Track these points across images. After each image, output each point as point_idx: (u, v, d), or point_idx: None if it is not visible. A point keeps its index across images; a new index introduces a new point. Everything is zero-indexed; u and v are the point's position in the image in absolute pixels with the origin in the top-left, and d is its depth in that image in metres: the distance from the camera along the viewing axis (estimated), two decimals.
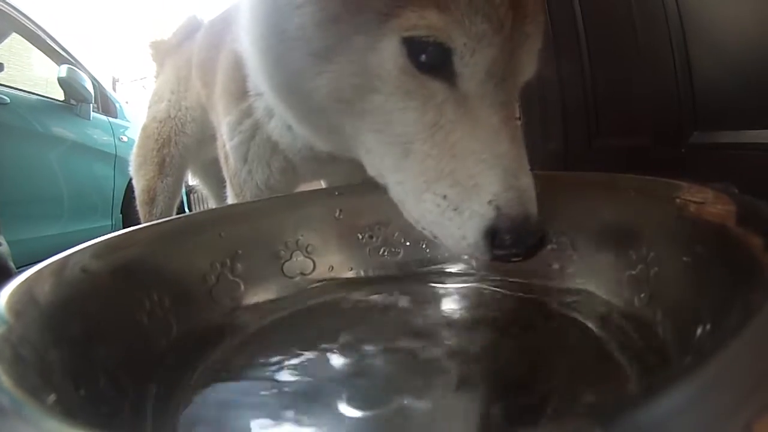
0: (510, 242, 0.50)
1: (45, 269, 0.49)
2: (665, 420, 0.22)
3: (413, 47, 0.51)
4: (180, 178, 1.60)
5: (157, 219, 1.50)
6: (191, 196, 3.91)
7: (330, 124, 0.62)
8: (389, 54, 0.52)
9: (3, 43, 2.87)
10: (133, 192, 1.64)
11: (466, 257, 0.71)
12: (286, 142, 0.86)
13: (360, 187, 0.75)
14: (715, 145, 1.20)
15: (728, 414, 0.23)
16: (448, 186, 0.52)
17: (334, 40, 0.54)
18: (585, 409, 0.43)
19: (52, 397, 0.34)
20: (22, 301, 0.42)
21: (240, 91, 0.89)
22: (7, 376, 0.30)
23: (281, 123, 0.84)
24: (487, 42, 0.51)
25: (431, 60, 0.52)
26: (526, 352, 0.55)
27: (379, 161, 0.58)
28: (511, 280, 0.66)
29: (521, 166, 0.52)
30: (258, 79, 0.73)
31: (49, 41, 3.11)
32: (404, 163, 0.55)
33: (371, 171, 0.61)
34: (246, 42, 0.70)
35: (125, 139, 3.47)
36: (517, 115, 0.58)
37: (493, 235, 0.50)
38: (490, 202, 0.50)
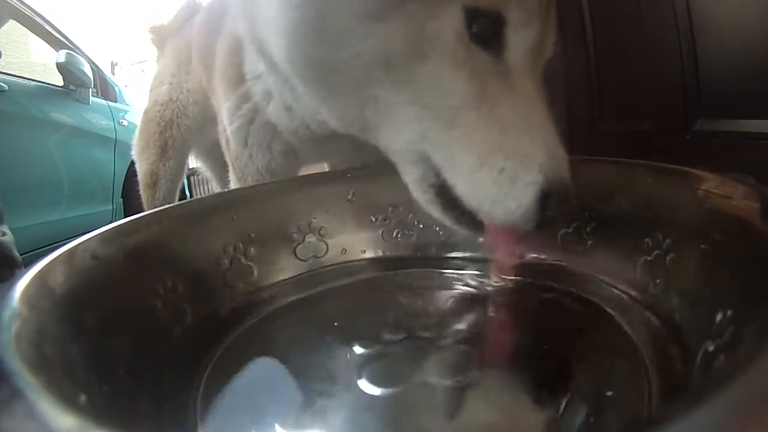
0: (555, 206, 0.51)
1: (57, 258, 0.48)
2: None
3: (468, 17, 0.52)
4: (182, 161, 1.60)
5: (160, 202, 1.51)
6: (192, 178, 3.90)
7: (359, 97, 0.59)
8: (448, 21, 0.52)
9: (0, 30, 2.84)
10: (133, 176, 1.64)
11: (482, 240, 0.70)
12: (284, 124, 0.85)
13: (373, 169, 0.74)
14: (719, 133, 1.20)
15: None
16: (503, 159, 0.52)
17: (390, 2, 0.53)
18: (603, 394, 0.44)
19: (83, 398, 0.34)
20: (38, 294, 0.41)
21: (237, 76, 0.89)
22: (39, 383, 0.29)
23: (280, 105, 0.82)
24: (536, 17, 0.54)
25: (483, 31, 0.53)
26: (542, 335, 0.55)
27: (421, 135, 0.57)
28: (524, 264, 0.66)
29: (557, 135, 0.54)
30: (275, 49, 0.67)
31: (46, 27, 3.08)
32: (449, 136, 0.55)
33: (402, 145, 0.59)
34: (268, 6, 0.65)
35: (125, 123, 3.46)
36: None
37: (545, 200, 0.51)
38: (540, 170, 0.51)
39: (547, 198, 0.51)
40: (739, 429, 0.22)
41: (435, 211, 0.60)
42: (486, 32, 0.53)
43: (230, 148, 0.99)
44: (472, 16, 0.52)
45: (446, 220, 0.59)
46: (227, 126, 0.95)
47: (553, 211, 0.51)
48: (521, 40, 0.54)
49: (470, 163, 0.54)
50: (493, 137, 0.53)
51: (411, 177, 0.61)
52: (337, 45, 0.56)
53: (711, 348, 0.40)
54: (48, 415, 0.26)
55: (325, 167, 1.18)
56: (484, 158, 0.53)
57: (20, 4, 2.87)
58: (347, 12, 0.54)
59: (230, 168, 1.04)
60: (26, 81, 2.77)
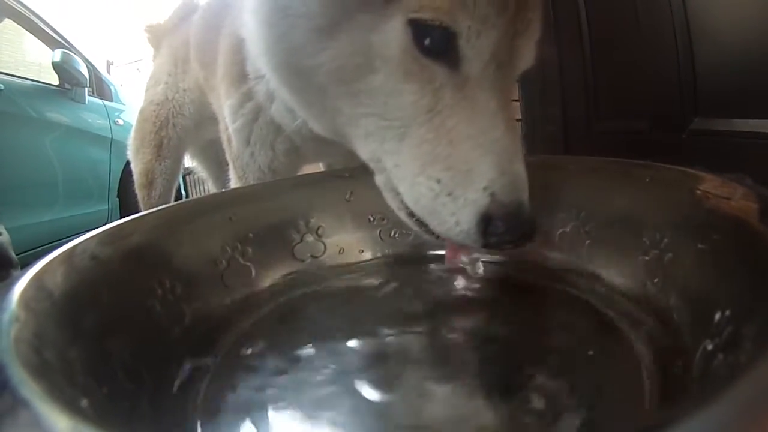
0: (503, 229, 0.50)
1: (55, 259, 0.47)
2: None
3: (418, 30, 0.51)
4: (178, 160, 1.61)
5: (156, 201, 1.51)
6: (188, 178, 3.89)
7: (329, 107, 0.61)
8: (393, 34, 0.52)
9: None
10: (129, 175, 1.64)
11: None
12: (287, 123, 0.86)
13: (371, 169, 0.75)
14: (715, 132, 1.21)
15: None
16: (442, 170, 0.52)
17: (338, 16, 0.53)
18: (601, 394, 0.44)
19: (84, 402, 0.34)
20: (36, 296, 0.41)
21: (240, 75, 0.89)
22: (42, 389, 0.29)
23: (282, 106, 0.83)
24: (491, 24, 0.51)
25: (435, 44, 0.52)
26: (539, 334, 0.55)
27: (379, 145, 0.58)
28: (522, 263, 0.66)
29: (515, 152, 0.52)
30: (260, 60, 0.71)
31: (42, 25, 3.07)
32: (401, 146, 0.55)
33: (367, 155, 0.61)
34: (250, 21, 0.68)
35: (121, 122, 3.45)
36: (516, 97, 0.58)
37: (486, 222, 0.50)
38: (485, 188, 0.50)
39: (491, 221, 0.50)
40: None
41: (403, 217, 0.61)
42: (438, 45, 0.52)
43: (232, 147, 0.99)
44: (421, 29, 0.51)
45: (413, 227, 0.60)
46: (229, 124, 0.96)
47: (498, 237, 0.50)
48: (476, 51, 0.52)
49: (411, 170, 0.54)
50: (440, 149, 0.52)
51: (380, 184, 0.62)
52: (299, 58, 0.58)
53: (710, 347, 0.40)
54: (51, 422, 0.26)
55: (320, 167, 1.19)
56: (423, 167, 0.53)
57: (15, 3, 2.85)
58: (304, 28, 0.56)
59: (231, 166, 1.04)
60: (21, 80, 2.75)
